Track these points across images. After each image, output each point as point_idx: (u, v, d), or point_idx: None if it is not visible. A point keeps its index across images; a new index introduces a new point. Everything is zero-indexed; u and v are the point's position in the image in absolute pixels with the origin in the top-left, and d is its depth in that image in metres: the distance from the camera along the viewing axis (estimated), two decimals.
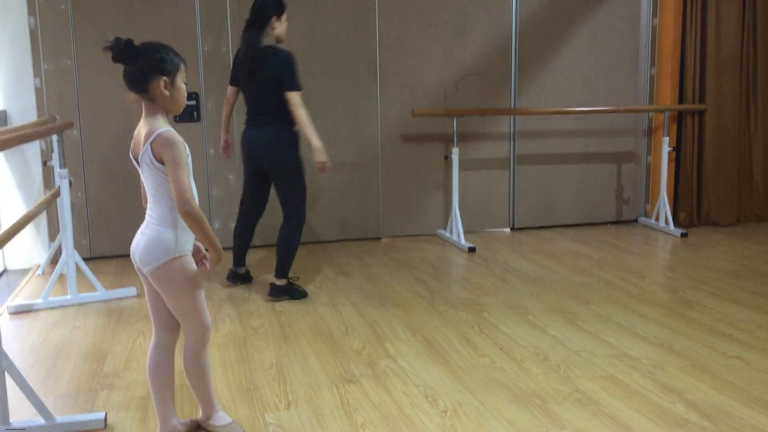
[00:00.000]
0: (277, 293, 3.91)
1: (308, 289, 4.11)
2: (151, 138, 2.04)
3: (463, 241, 5.12)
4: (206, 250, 2.21)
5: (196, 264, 2.20)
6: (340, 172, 5.31)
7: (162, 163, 2.03)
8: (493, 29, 5.47)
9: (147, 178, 2.10)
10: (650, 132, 5.86)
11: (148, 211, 2.15)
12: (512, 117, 5.62)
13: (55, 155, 3.96)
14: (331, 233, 5.40)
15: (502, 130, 5.64)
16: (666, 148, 5.51)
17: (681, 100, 5.61)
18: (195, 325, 2.20)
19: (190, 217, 2.02)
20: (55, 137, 3.92)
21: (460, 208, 5.28)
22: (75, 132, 4.80)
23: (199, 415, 2.41)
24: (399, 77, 5.35)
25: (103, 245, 4.97)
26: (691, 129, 5.59)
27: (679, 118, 5.64)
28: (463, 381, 2.80)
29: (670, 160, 5.59)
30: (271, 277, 4.02)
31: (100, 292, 3.98)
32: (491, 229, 5.72)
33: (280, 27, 3.86)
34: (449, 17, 5.38)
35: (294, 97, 3.75)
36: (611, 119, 5.78)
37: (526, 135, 5.68)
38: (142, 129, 2.09)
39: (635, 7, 5.70)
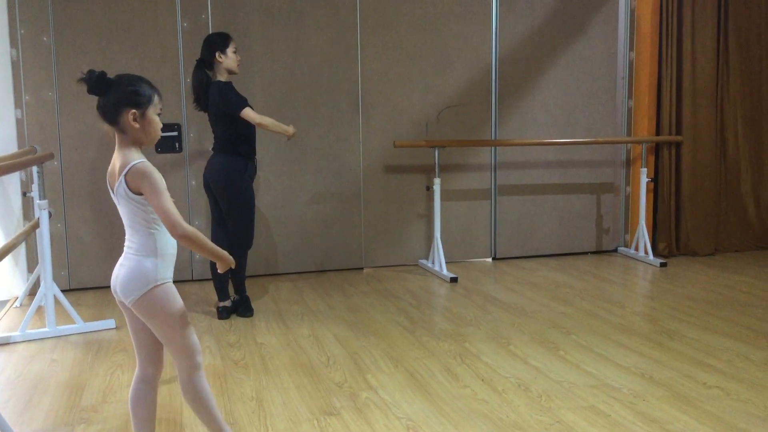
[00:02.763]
0: (224, 312, 4.19)
1: (289, 320, 4.09)
2: (125, 170, 2.05)
3: (445, 271, 5.13)
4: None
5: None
6: (322, 202, 5.33)
7: (138, 194, 2.05)
8: (473, 62, 5.55)
9: (123, 209, 2.11)
10: (629, 163, 5.95)
11: (126, 242, 2.15)
12: (493, 148, 5.68)
13: (35, 186, 3.93)
14: (313, 263, 5.39)
15: (483, 161, 5.69)
16: (644, 179, 5.59)
17: (658, 132, 5.70)
18: (183, 350, 2.17)
19: (185, 239, 2.03)
20: (35, 168, 3.90)
21: (441, 238, 5.30)
22: (55, 163, 4.78)
23: None
24: (381, 108, 5.40)
25: (83, 277, 4.92)
26: (668, 160, 5.67)
27: (657, 149, 5.73)
28: (444, 412, 2.79)
29: (648, 191, 5.66)
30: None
31: (79, 325, 3.93)
32: (473, 259, 5.74)
33: (226, 60, 4.05)
34: (430, 50, 5.46)
35: (247, 114, 3.96)
36: (590, 151, 5.86)
37: (506, 166, 5.74)
38: (116, 161, 2.10)
39: (612, 42, 5.82)
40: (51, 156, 4.17)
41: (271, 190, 5.23)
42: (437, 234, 5.26)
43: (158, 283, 2.11)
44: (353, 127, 5.37)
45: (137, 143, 2.11)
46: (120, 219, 2.18)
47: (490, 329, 3.89)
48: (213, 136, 4.21)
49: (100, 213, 4.87)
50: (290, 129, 4.16)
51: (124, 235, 2.18)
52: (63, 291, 4.07)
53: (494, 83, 5.62)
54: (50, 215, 3.94)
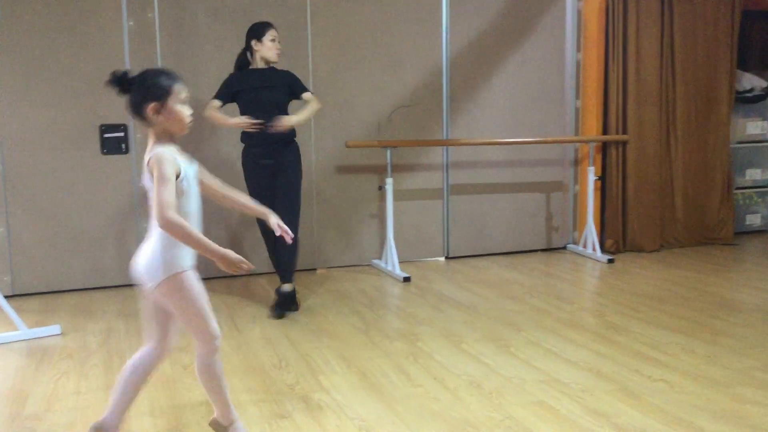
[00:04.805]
0: (282, 298, 4.26)
1: (241, 322, 4.06)
2: (149, 158, 2.15)
3: (398, 270, 5.15)
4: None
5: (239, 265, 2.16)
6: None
7: None
8: (424, 63, 5.58)
9: (150, 197, 2.16)
10: (577, 162, 6.06)
11: (150, 231, 2.23)
12: (445, 148, 5.73)
13: None
14: (265, 265, 5.34)
15: (436, 160, 5.73)
16: (592, 178, 5.70)
17: (605, 131, 5.83)
18: (204, 334, 2.28)
19: (168, 227, 2.06)
20: None
21: (395, 238, 5.31)
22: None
23: (215, 414, 2.47)
24: (332, 109, 5.38)
25: (27, 282, 4.78)
26: (615, 159, 5.80)
27: (604, 148, 5.85)
28: (397, 412, 2.79)
29: (596, 189, 5.78)
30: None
31: (22, 331, 3.82)
32: (426, 259, 5.77)
33: (262, 49, 4.21)
34: (381, 51, 5.47)
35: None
36: (540, 150, 5.95)
37: (458, 165, 5.79)
38: (147, 153, 2.20)
39: (560, 43, 5.92)
40: None
41: None
42: (390, 234, 5.27)
43: (179, 270, 2.20)
44: (305, 127, 5.33)
45: (167, 133, 2.20)
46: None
47: (443, 328, 3.92)
48: None
49: (44, 216, 4.74)
50: (230, 121, 4.21)
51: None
52: (6, 297, 3.95)
53: (445, 84, 5.66)
54: None
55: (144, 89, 2.15)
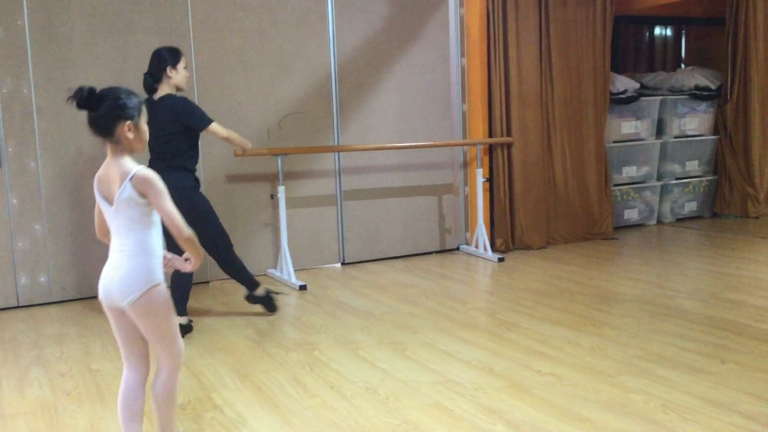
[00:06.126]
0: (253, 301, 4.36)
1: None
2: (129, 177, 2.15)
3: (293, 279, 5.09)
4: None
5: (180, 266, 2.30)
6: None
7: (143, 197, 2.17)
8: (312, 69, 5.55)
9: (121, 213, 2.18)
10: (466, 164, 6.20)
11: (117, 246, 2.21)
12: (336, 154, 5.72)
13: None
14: None
15: (327, 167, 5.71)
16: (480, 180, 5.86)
17: (491, 134, 6.00)
18: (172, 349, 2.29)
19: (189, 241, 2.18)
20: None
21: (289, 246, 5.25)
22: None
23: None
24: (218, 116, 5.19)
25: None
26: (501, 160, 5.98)
27: (491, 150, 6.03)
28: (293, 425, 2.75)
29: (484, 190, 5.94)
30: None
31: None
32: (322, 266, 5.74)
33: (177, 76, 4.01)
34: (268, 57, 5.39)
35: (214, 129, 4.05)
36: (430, 153, 6.05)
37: (350, 171, 5.79)
38: (112, 170, 2.20)
39: (445, 48, 6.04)
40: None
41: None
42: (284, 242, 5.21)
43: (156, 282, 2.22)
44: None
45: (130, 151, 2.22)
46: None
47: (340, 335, 3.90)
48: (150, 150, 4.02)
49: None
50: (248, 144, 4.35)
51: (102, 238, 2.28)
52: None
53: (334, 89, 5.66)
54: None
55: (118, 108, 2.17)
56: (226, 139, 4.17)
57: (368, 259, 5.90)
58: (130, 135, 2.19)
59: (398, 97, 5.88)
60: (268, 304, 4.37)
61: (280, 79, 5.46)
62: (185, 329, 3.98)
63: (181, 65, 4.02)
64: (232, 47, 5.29)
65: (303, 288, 4.97)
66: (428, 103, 6.00)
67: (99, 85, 2.19)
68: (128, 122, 2.18)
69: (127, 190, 2.16)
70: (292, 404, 2.96)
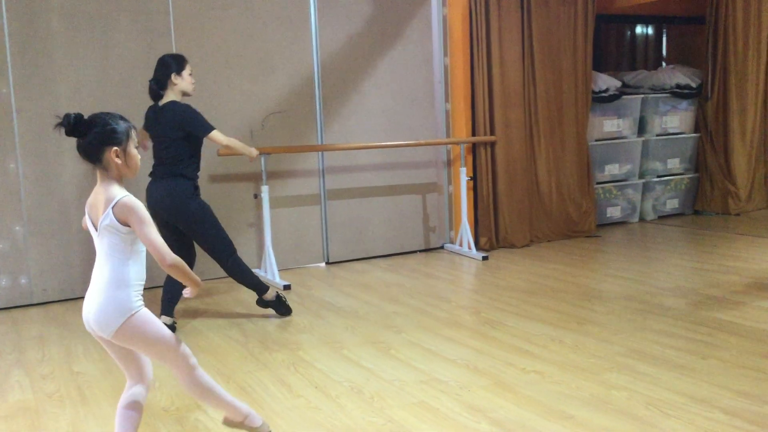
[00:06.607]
0: (263, 305, 4.29)
1: None
2: (112, 204, 2.14)
3: (277, 279, 5.08)
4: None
5: (186, 294, 2.29)
6: None
7: (125, 225, 2.14)
8: (295, 68, 5.54)
9: (103, 241, 2.17)
10: (449, 163, 6.21)
11: (97, 273, 2.20)
12: (320, 153, 5.71)
13: None
14: None
15: (311, 166, 5.70)
16: (464, 178, 5.87)
17: (474, 133, 6.01)
18: (177, 361, 2.29)
19: (174, 268, 2.16)
20: None
21: (273, 246, 5.23)
22: None
23: (225, 414, 2.46)
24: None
25: None
26: (484, 159, 6.00)
27: (474, 149, 6.04)
28: (278, 425, 2.74)
29: (468, 189, 5.95)
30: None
31: None
32: (307, 265, 5.73)
33: (182, 83, 4.01)
34: (250, 56, 5.37)
35: (215, 137, 4.00)
36: (414, 152, 6.06)
37: (334, 170, 5.78)
38: (99, 195, 2.19)
39: (428, 47, 6.05)
40: None
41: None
42: (268, 242, 5.19)
43: (133, 311, 2.18)
44: None
45: (119, 177, 2.20)
46: None
47: (324, 335, 3.90)
48: (154, 157, 4.04)
49: None
50: (254, 151, 4.28)
51: None
52: None
53: (317, 89, 5.64)
54: None
55: (104, 134, 2.15)
56: (227, 147, 4.14)
57: (353, 258, 5.90)
58: (118, 160, 2.17)
59: (382, 96, 5.88)
60: (279, 307, 4.30)
61: (262, 79, 5.44)
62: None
63: (186, 72, 4.04)
64: (214, 47, 5.26)
65: (287, 288, 4.96)
66: (412, 103, 6.01)
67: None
68: (115, 148, 2.16)
69: (109, 217, 2.13)
70: (276, 405, 2.95)
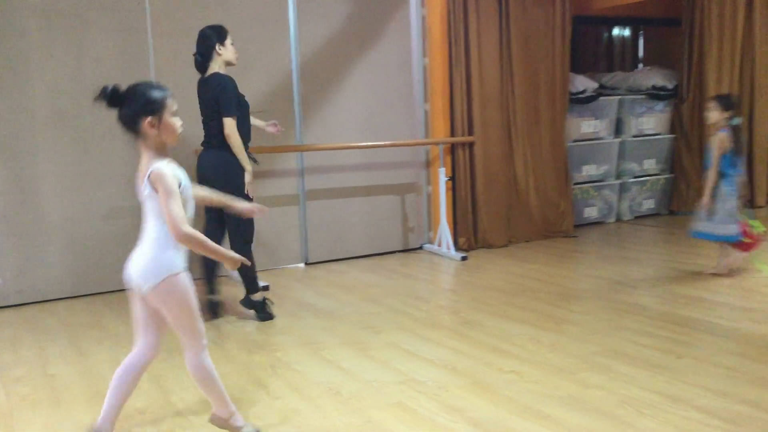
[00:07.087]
0: (248, 305, 4.25)
1: (86, 346, 3.81)
2: (147, 173, 2.25)
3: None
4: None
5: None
6: (119, 218, 5.02)
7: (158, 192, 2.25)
8: (274, 67, 5.51)
9: (146, 205, 2.30)
10: (429, 164, 6.22)
11: (144, 233, 2.33)
12: (299, 153, 5.69)
13: None
14: (111, 283, 5.06)
15: (291, 166, 5.68)
16: (443, 179, 5.88)
17: (453, 133, 6.02)
18: (192, 334, 2.37)
19: (185, 239, 2.25)
20: None
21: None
22: None
23: (214, 409, 2.52)
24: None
25: None
26: (463, 159, 6.01)
27: (453, 149, 6.05)
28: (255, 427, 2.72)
29: (447, 189, 5.96)
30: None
31: None
32: (286, 266, 5.71)
33: (226, 53, 4.09)
34: None
35: (226, 123, 3.97)
36: (393, 153, 6.06)
37: (314, 170, 5.77)
38: (142, 166, 2.30)
39: (407, 48, 6.05)
40: None
41: (63, 206, 4.84)
42: None
43: (175, 272, 2.30)
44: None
45: (160, 145, 2.29)
46: None
47: (303, 336, 3.89)
48: (205, 130, 4.12)
49: None
50: (248, 174, 4.11)
51: None
52: None
53: (296, 88, 5.63)
54: None
55: (139, 104, 2.22)
56: (228, 137, 4.02)
57: (332, 258, 5.88)
58: (154, 130, 2.23)
59: (361, 96, 5.87)
60: (261, 312, 4.24)
61: (240, 78, 5.35)
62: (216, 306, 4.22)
63: (228, 41, 4.10)
64: (191, 46, 5.20)
65: (265, 288, 4.93)
66: (391, 103, 6.01)
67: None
68: (149, 118, 2.22)
69: (147, 186, 2.26)
70: (253, 407, 2.93)
